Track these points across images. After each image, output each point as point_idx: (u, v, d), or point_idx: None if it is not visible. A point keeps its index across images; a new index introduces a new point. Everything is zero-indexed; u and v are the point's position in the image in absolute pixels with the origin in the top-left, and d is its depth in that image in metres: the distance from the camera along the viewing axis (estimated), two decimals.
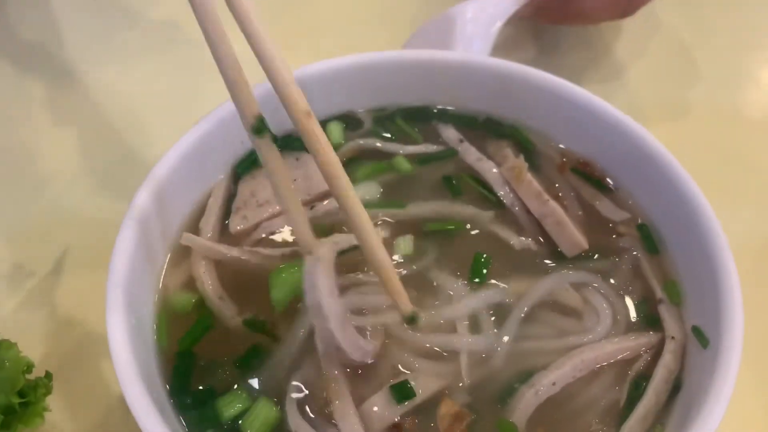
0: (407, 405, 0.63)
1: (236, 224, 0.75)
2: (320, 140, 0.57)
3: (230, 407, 0.64)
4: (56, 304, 0.83)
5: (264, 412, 0.63)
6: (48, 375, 0.70)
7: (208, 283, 0.71)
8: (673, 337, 0.68)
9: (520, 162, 0.78)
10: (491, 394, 0.65)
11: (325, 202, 0.76)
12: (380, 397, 0.63)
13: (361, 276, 0.69)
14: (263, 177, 0.77)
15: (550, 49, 1.12)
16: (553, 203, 0.75)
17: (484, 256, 0.72)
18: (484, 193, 0.78)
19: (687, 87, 1.09)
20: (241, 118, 0.59)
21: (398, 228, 0.75)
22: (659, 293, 0.72)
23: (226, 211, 0.76)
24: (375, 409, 0.63)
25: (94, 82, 1.06)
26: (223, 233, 0.75)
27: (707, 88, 1.08)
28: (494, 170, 0.78)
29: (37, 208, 0.93)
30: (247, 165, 0.78)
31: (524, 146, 0.82)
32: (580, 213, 0.77)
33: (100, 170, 0.96)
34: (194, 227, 0.75)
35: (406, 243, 0.73)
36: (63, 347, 0.80)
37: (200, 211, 0.76)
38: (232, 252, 0.72)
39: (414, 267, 0.71)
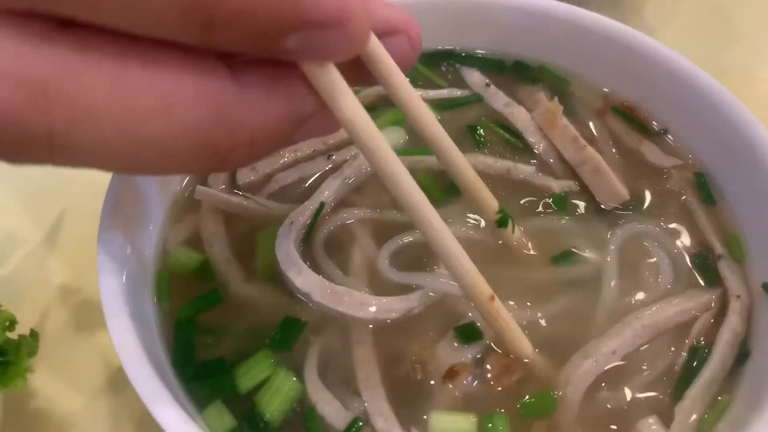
0: (475, 347, 0.56)
1: (245, 176, 0.66)
2: (504, 319, 0.53)
3: (249, 376, 0.55)
4: (51, 272, 0.75)
5: (285, 385, 0.55)
6: (33, 334, 0.62)
7: (217, 245, 0.62)
8: (738, 296, 0.59)
9: (554, 105, 0.69)
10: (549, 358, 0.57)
11: (342, 151, 0.67)
12: (446, 341, 0.56)
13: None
14: None
15: None
16: (590, 149, 0.66)
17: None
18: (511, 141, 0.69)
19: (720, 50, 0.99)
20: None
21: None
22: (719, 248, 0.63)
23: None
24: (441, 351, 0.56)
25: None
26: (232, 188, 0.66)
27: (741, 50, 0.99)
28: (524, 115, 0.70)
29: (31, 173, 0.84)
30: None
31: (558, 89, 0.73)
32: (617, 156, 0.69)
33: None
34: (200, 182, 0.66)
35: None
36: (57, 315, 0.72)
37: None
38: (248, 203, 0.64)
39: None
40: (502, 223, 0.56)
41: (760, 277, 0.60)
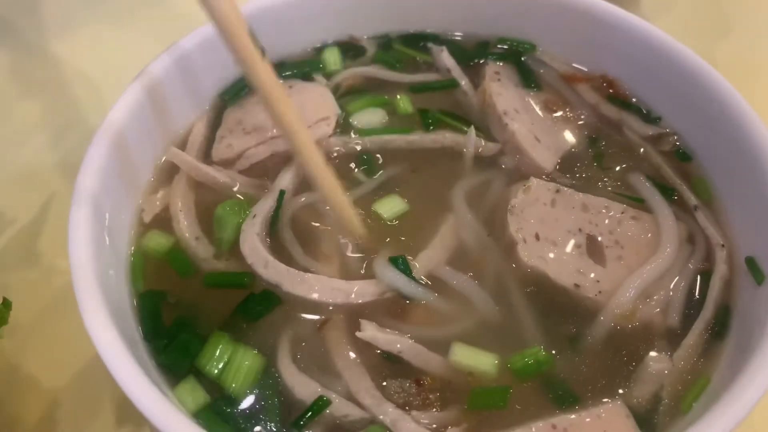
0: None
1: (220, 153, 0.60)
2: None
3: (212, 363, 0.50)
4: (38, 253, 0.70)
5: (246, 359, 0.50)
6: (6, 303, 0.56)
7: (186, 222, 0.57)
8: (722, 245, 0.56)
9: (486, 84, 0.64)
10: None
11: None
12: None
13: None
14: (252, 105, 0.63)
15: None
16: (513, 127, 0.61)
17: None
18: (457, 127, 0.63)
19: (716, 41, 0.93)
20: None
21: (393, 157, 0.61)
22: (693, 200, 0.59)
23: (211, 142, 0.62)
24: None
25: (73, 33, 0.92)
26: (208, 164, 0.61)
27: (737, 42, 0.93)
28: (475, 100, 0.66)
29: (21, 157, 0.78)
30: (233, 93, 0.64)
31: (517, 62, 0.68)
32: (582, 119, 0.65)
33: (89, 122, 0.81)
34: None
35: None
36: (43, 293, 0.67)
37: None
38: (218, 175, 0.58)
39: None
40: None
41: (744, 250, 0.55)
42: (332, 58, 0.68)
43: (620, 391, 0.50)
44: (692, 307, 0.54)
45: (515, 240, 0.54)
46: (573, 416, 0.48)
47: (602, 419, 0.48)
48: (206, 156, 0.62)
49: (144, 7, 0.96)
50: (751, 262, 0.53)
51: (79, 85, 0.87)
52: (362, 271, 0.54)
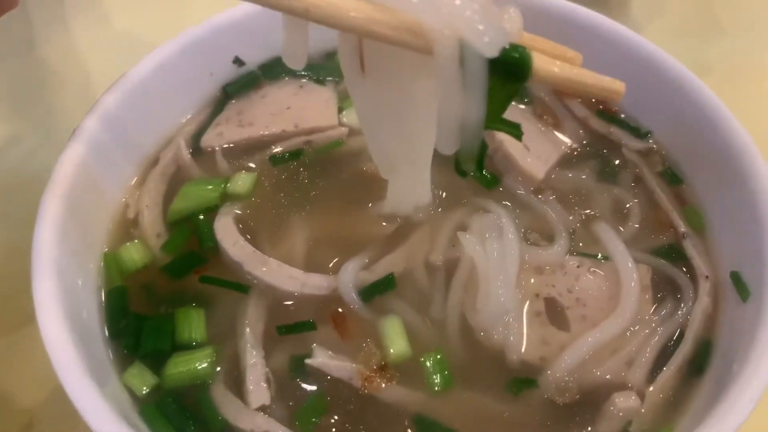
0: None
1: (209, 140, 0.60)
2: None
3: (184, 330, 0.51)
4: (12, 268, 0.64)
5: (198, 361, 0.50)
6: None
7: (149, 218, 0.56)
8: (707, 277, 0.53)
9: None
10: None
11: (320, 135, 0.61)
12: None
13: None
14: (258, 99, 0.63)
15: None
16: (500, 137, 0.58)
17: None
18: None
19: (709, 44, 0.90)
20: None
21: None
22: (682, 226, 0.56)
23: (205, 127, 0.61)
24: None
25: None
26: (195, 150, 0.60)
27: (730, 45, 0.90)
28: None
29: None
30: (238, 87, 0.63)
31: None
32: (581, 133, 0.63)
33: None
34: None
35: None
36: (17, 312, 0.59)
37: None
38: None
39: None
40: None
41: (728, 264, 0.53)
42: None
43: (588, 428, 0.48)
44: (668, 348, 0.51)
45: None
46: None
47: None
48: (196, 142, 0.61)
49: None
50: (736, 277, 0.51)
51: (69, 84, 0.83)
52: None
